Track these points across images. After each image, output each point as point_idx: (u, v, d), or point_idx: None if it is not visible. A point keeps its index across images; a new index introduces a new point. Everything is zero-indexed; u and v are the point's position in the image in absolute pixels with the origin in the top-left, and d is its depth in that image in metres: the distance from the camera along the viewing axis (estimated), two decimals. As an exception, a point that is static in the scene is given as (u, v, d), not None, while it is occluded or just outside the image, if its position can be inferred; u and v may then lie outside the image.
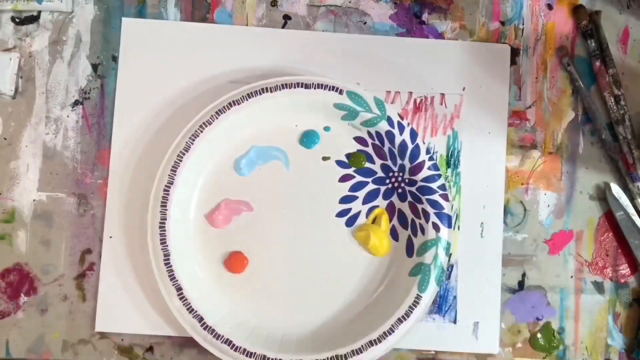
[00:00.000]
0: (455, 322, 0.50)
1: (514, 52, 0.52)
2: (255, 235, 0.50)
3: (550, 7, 0.53)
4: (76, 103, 0.51)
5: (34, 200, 0.50)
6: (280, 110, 0.49)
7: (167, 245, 0.48)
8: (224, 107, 0.48)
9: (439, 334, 0.50)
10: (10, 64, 0.50)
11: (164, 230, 0.48)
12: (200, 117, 0.48)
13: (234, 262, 0.50)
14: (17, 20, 0.51)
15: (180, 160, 0.48)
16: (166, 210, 0.48)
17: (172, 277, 0.47)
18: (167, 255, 0.48)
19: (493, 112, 0.51)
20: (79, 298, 0.50)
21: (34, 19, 0.51)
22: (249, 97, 0.48)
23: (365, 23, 0.52)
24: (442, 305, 0.50)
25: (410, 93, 0.51)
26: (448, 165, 0.51)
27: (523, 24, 0.52)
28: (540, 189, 0.51)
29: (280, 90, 0.48)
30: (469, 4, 0.52)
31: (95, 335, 0.50)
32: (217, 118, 0.48)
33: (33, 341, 0.50)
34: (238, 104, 0.48)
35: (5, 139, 0.50)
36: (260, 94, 0.48)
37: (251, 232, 0.50)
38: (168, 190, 0.48)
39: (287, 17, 0.52)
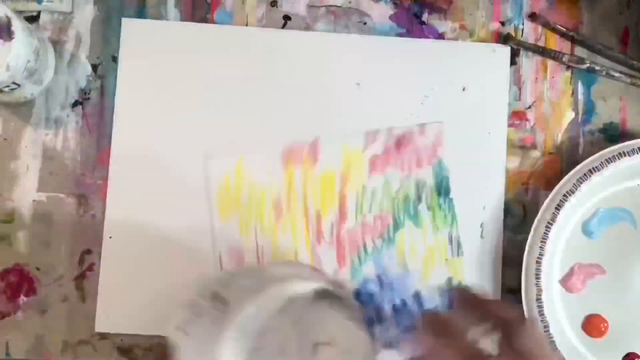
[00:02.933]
0: None
1: (514, 53, 0.52)
2: (610, 298, 0.49)
3: (550, 7, 0.53)
4: (76, 103, 0.51)
5: (33, 201, 0.50)
6: (632, 173, 0.49)
7: (545, 317, 0.48)
8: (584, 174, 0.48)
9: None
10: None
11: (541, 302, 0.48)
12: (562, 185, 0.49)
13: (593, 325, 0.50)
14: (17, 20, 0.51)
15: (549, 231, 0.48)
16: (540, 281, 0.48)
17: (554, 348, 0.48)
18: (546, 327, 0.48)
19: (493, 112, 0.51)
20: (78, 299, 0.50)
21: (33, 19, 0.51)
22: (609, 163, 0.49)
23: (365, 23, 0.52)
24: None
25: (390, 129, 0.51)
26: (439, 194, 0.51)
27: (523, 24, 0.52)
28: (541, 190, 0.51)
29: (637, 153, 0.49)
30: (469, 4, 0.52)
31: (95, 336, 0.50)
32: (579, 186, 0.49)
33: (33, 342, 0.49)
34: (597, 170, 0.48)
35: (5, 139, 0.50)
36: (619, 158, 0.49)
37: (606, 295, 0.49)
38: (540, 262, 0.48)
39: (287, 18, 0.52)
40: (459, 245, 0.50)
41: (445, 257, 0.50)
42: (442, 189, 0.51)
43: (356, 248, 0.50)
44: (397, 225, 0.50)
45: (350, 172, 0.51)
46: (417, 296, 0.50)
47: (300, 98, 0.51)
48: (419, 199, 0.51)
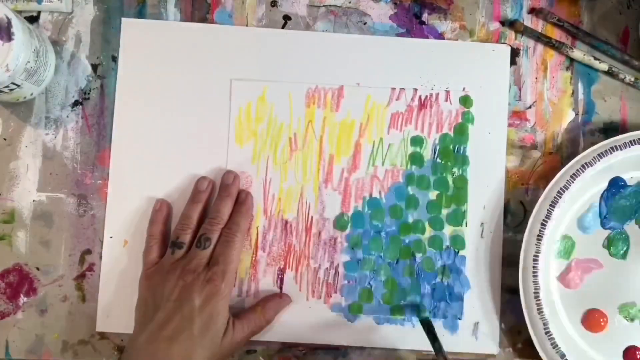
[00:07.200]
0: (460, 318, 0.50)
1: (514, 53, 0.52)
2: (609, 292, 0.50)
3: (550, 7, 0.53)
4: (76, 103, 0.51)
5: (33, 201, 0.50)
6: (625, 166, 0.50)
7: (544, 314, 0.48)
8: (577, 170, 0.49)
9: (440, 334, 0.50)
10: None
11: (539, 300, 0.48)
12: (555, 182, 0.49)
13: (592, 320, 0.50)
14: (17, 20, 0.51)
15: (544, 228, 0.49)
16: (537, 279, 0.48)
17: (554, 345, 0.48)
18: (546, 325, 0.48)
19: (493, 112, 0.51)
20: (78, 298, 0.50)
21: (33, 19, 0.51)
22: (601, 157, 0.49)
23: (365, 23, 0.52)
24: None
25: (415, 90, 0.51)
26: (455, 161, 0.51)
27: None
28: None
29: (632, 145, 0.49)
30: (469, 4, 0.52)
31: (95, 336, 0.50)
32: (573, 182, 0.49)
33: (33, 342, 0.49)
34: (590, 165, 0.49)
35: (5, 139, 0.50)
36: (611, 152, 0.49)
37: (605, 289, 0.50)
38: (537, 259, 0.49)
39: (287, 18, 0.52)
40: (464, 215, 0.51)
41: (448, 224, 0.51)
42: (459, 157, 0.51)
43: (362, 198, 0.51)
44: (406, 183, 0.51)
45: (371, 124, 0.51)
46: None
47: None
48: (433, 162, 0.51)
